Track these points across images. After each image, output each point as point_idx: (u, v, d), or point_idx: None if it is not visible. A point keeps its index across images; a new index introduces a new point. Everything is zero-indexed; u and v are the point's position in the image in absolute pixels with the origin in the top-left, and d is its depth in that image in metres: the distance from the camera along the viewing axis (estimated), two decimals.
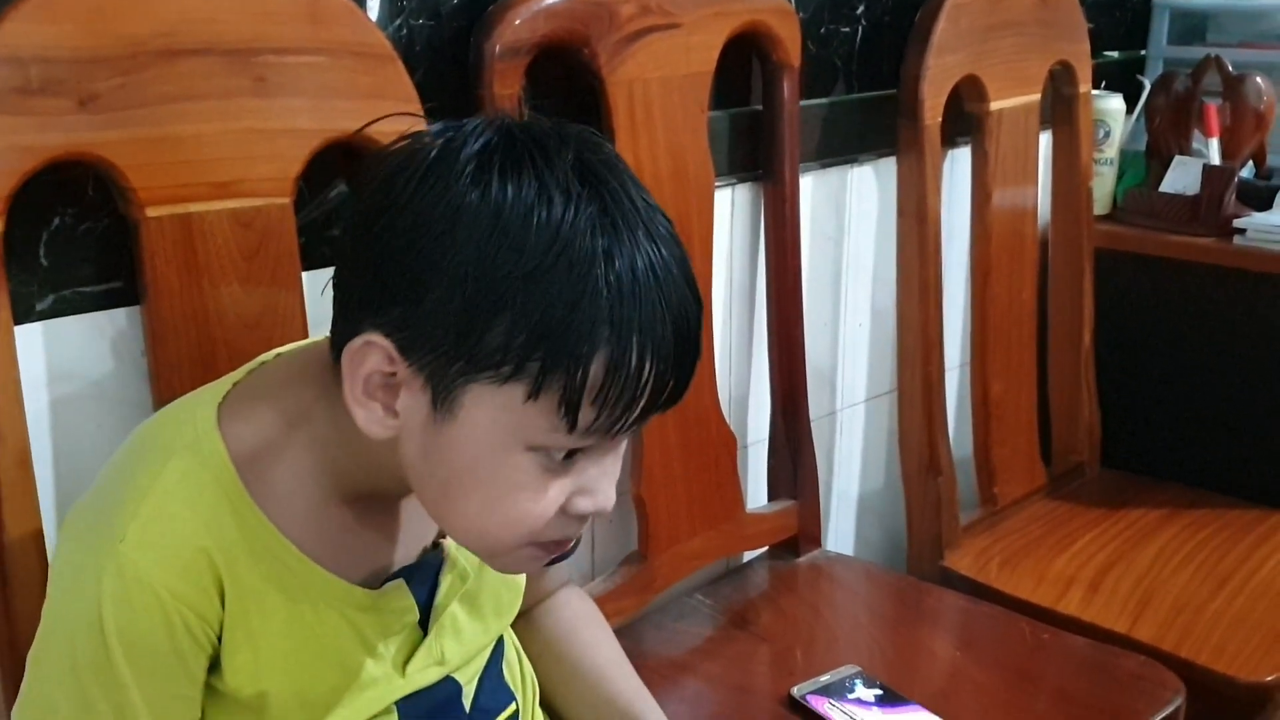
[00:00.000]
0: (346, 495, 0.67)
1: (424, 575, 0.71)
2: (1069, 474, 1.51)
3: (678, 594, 1.17)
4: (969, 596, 1.22)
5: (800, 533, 1.24)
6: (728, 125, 1.15)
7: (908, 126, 1.26)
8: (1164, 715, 1.03)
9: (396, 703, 0.70)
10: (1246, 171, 1.54)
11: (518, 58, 0.92)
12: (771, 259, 1.20)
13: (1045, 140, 1.47)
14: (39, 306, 0.78)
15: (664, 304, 0.58)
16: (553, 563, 0.67)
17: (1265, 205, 1.49)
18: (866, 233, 1.36)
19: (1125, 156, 1.60)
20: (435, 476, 0.62)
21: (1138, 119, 1.59)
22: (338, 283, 0.63)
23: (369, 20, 0.85)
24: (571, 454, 0.61)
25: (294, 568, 0.65)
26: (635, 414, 0.59)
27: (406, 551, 0.71)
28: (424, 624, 0.71)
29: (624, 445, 0.64)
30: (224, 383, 0.67)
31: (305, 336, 0.82)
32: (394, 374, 0.60)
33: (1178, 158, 1.54)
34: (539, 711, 0.81)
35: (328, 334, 0.65)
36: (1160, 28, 1.68)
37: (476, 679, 0.75)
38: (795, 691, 1.01)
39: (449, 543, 0.72)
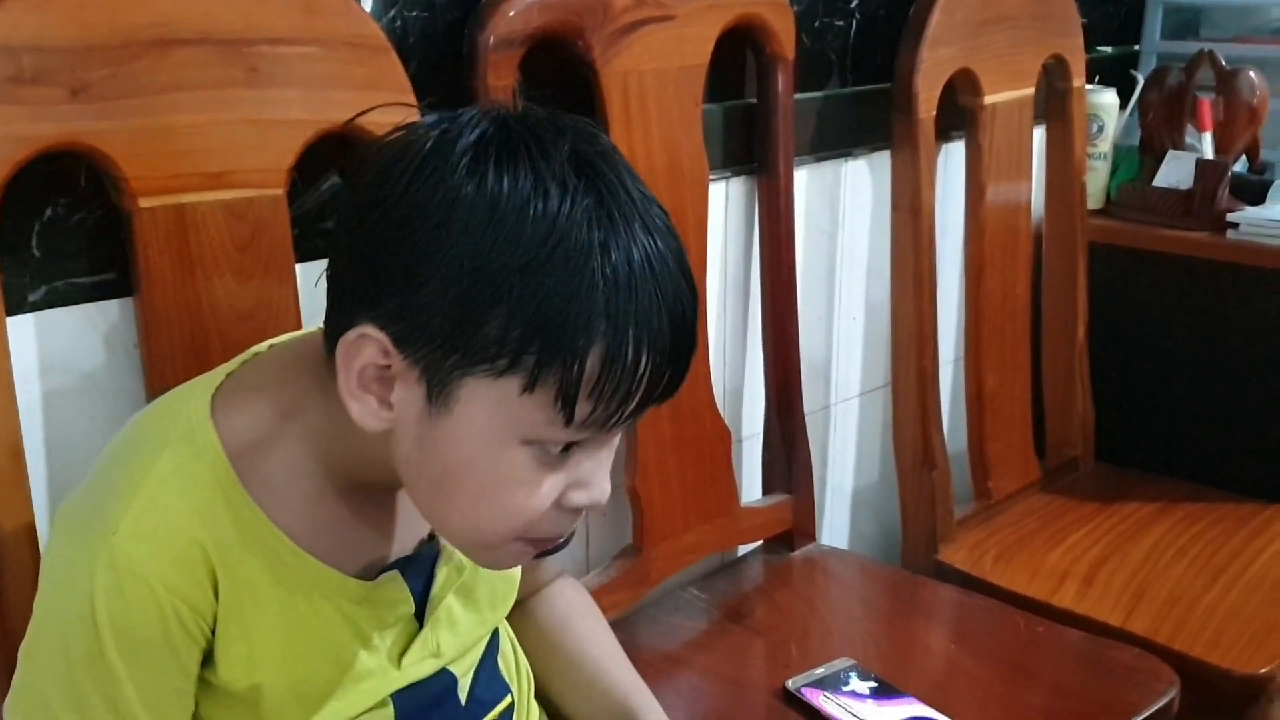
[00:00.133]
0: (341, 487, 0.66)
1: (420, 567, 0.70)
2: (1063, 468, 1.51)
3: (672, 587, 1.17)
4: (963, 590, 1.22)
5: (795, 526, 1.24)
6: (722, 118, 1.15)
7: (902, 120, 1.26)
8: (1158, 707, 1.03)
9: (392, 695, 0.70)
10: (1240, 166, 1.54)
11: (512, 49, 0.92)
12: (766, 253, 1.20)
13: (1039, 135, 1.47)
14: (31, 298, 0.78)
15: (660, 296, 0.58)
16: (548, 554, 0.67)
17: (1258, 199, 1.49)
18: (861, 227, 1.36)
19: (1119, 151, 1.60)
20: (429, 470, 0.62)
21: (1131, 113, 1.59)
22: (332, 274, 0.63)
23: (363, 11, 0.85)
24: (567, 447, 0.61)
25: (288, 560, 0.64)
26: (632, 407, 0.59)
27: (402, 543, 0.70)
28: (419, 616, 0.71)
29: (618, 438, 0.64)
30: (217, 374, 0.67)
31: (299, 328, 0.82)
32: (389, 367, 0.60)
33: (1171, 152, 1.54)
34: (534, 704, 0.81)
35: (321, 324, 0.65)
36: (1154, 22, 1.69)
37: (472, 671, 0.75)
38: (790, 684, 1.01)
39: None
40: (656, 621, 1.13)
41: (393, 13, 0.90)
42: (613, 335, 0.57)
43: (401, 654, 0.70)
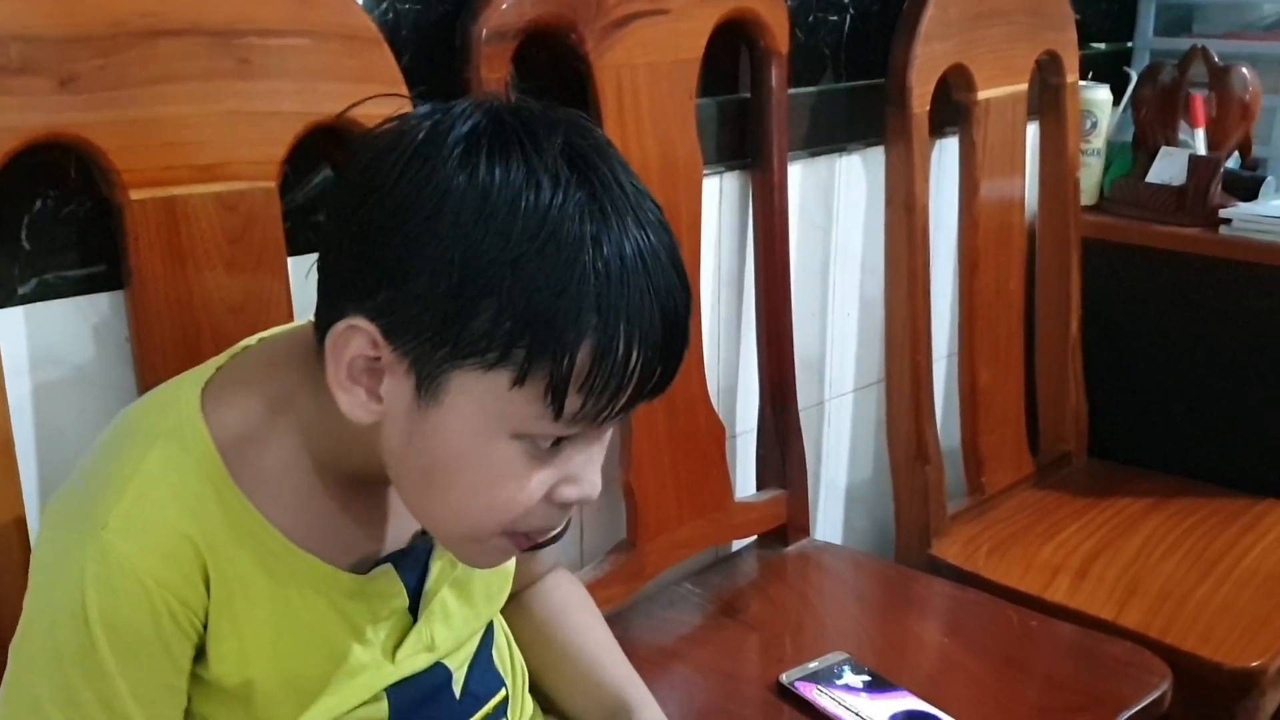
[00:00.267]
0: (333, 480, 0.66)
1: (414, 561, 0.70)
2: (1056, 463, 1.52)
3: (666, 582, 1.17)
4: (957, 584, 1.22)
5: (789, 522, 1.24)
6: (716, 113, 1.15)
7: (895, 115, 1.26)
8: (1150, 700, 1.03)
9: (386, 690, 0.70)
10: (1232, 162, 1.54)
11: (505, 42, 0.92)
12: (760, 248, 1.20)
13: (1032, 131, 1.47)
14: (21, 290, 0.77)
15: (652, 291, 0.58)
16: (543, 546, 0.66)
17: (1250, 195, 1.50)
18: (854, 222, 1.36)
19: (1112, 147, 1.60)
20: (417, 462, 0.61)
21: (1124, 110, 1.59)
22: (322, 265, 0.62)
23: (355, 3, 0.85)
24: (557, 442, 0.60)
25: (279, 554, 0.64)
26: (622, 402, 0.59)
27: (396, 537, 0.70)
28: (414, 610, 0.70)
29: (609, 433, 0.63)
30: (207, 367, 0.67)
31: (290, 322, 0.81)
32: (378, 359, 0.59)
33: (1164, 148, 1.55)
34: (528, 697, 0.81)
35: (312, 318, 0.64)
36: (1146, 19, 1.69)
37: (466, 665, 0.74)
38: (784, 678, 1.01)
39: None
40: (651, 616, 1.13)
41: (385, 5, 0.90)
42: (603, 330, 0.56)
43: (396, 648, 0.70)
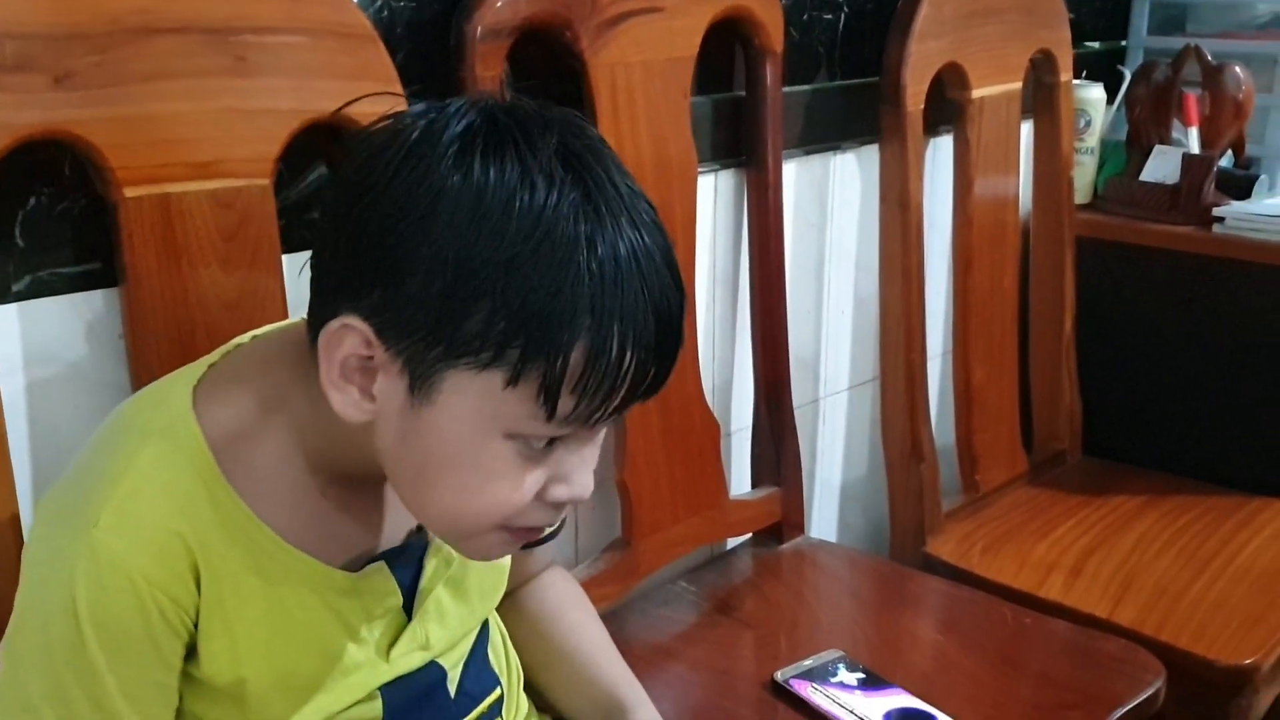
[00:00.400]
0: (326, 479, 0.66)
1: (408, 559, 0.70)
2: (1050, 461, 1.52)
3: (661, 580, 1.17)
4: (951, 582, 1.23)
5: (783, 519, 1.24)
6: (710, 111, 1.15)
7: (890, 114, 1.26)
8: (1144, 697, 1.03)
9: (380, 689, 0.70)
10: (1225, 160, 1.55)
11: (499, 40, 0.92)
12: (754, 246, 1.20)
13: (1026, 129, 1.48)
14: (15, 288, 0.77)
15: (646, 292, 0.58)
16: (538, 544, 0.66)
17: (1244, 194, 1.50)
18: (849, 220, 1.36)
19: (1106, 146, 1.61)
20: (411, 461, 0.61)
21: (1118, 108, 1.60)
22: (315, 264, 0.62)
23: (350, 0, 0.85)
24: (550, 442, 0.60)
25: (271, 552, 0.64)
26: (615, 403, 0.59)
27: (389, 535, 0.70)
28: (408, 608, 0.70)
29: (603, 433, 0.63)
30: (199, 365, 0.67)
31: (285, 319, 0.81)
32: (371, 358, 0.59)
33: (1158, 147, 1.55)
34: (523, 696, 0.81)
35: (305, 316, 0.64)
36: (1140, 18, 1.69)
37: (461, 664, 0.74)
38: (779, 676, 1.01)
39: None
40: (645, 614, 1.13)
41: (380, 2, 0.90)
42: (597, 331, 0.56)
43: (390, 646, 0.70)
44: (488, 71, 0.91)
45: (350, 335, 0.59)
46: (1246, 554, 1.29)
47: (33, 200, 0.77)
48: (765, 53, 1.14)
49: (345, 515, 0.68)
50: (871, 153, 1.31)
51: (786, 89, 1.19)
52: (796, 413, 1.25)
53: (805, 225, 1.31)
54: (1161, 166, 1.53)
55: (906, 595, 1.21)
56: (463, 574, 0.73)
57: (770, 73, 1.15)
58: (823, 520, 1.46)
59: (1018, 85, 1.40)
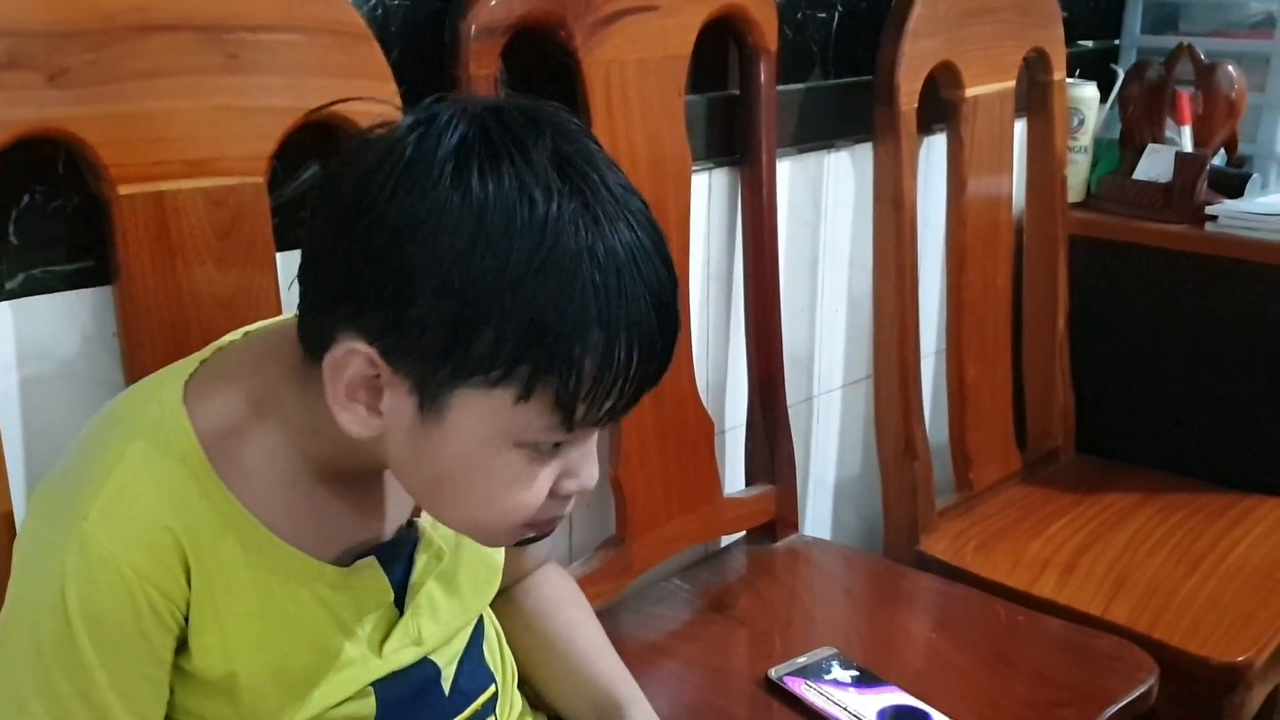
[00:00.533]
0: (317, 474, 0.66)
1: (399, 553, 0.70)
2: (1044, 459, 1.52)
3: (655, 578, 1.17)
4: (945, 579, 1.23)
5: (777, 517, 1.25)
6: (705, 109, 1.15)
7: (884, 112, 1.26)
8: (1137, 695, 1.04)
9: (374, 686, 0.70)
10: (1218, 159, 1.55)
11: (494, 38, 0.92)
12: (748, 244, 1.20)
13: (1020, 128, 1.48)
14: (9, 285, 0.77)
15: (646, 292, 0.58)
16: (531, 541, 0.67)
17: (1237, 192, 1.51)
18: (843, 218, 1.36)
19: (1099, 144, 1.61)
20: (425, 474, 0.62)
21: (1111, 107, 1.60)
22: (309, 278, 0.62)
23: None
24: (557, 442, 0.61)
25: (262, 546, 0.64)
26: (625, 401, 0.60)
27: (380, 530, 0.70)
28: (400, 603, 0.70)
29: None
30: (190, 362, 0.67)
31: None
32: (377, 376, 0.60)
33: (1151, 145, 1.55)
34: (517, 694, 0.81)
35: (295, 314, 0.64)
36: (1134, 17, 1.70)
37: (456, 661, 0.74)
38: (772, 673, 1.01)
39: (423, 521, 0.72)
40: (640, 612, 1.13)
41: (374, 1, 0.90)
42: (606, 341, 0.57)
43: (383, 641, 0.70)
44: (482, 70, 0.91)
45: (355, 359, 0.59)
46: (1239, 552, 1.29)
47: (27, 198, 0.77)
48: (759, 51, 1.14)
49: (336, 511, 0.68)
50: (865, 151, 1.32)
51: (781, 87, 1.19)
52: (790, 411, 1.25)
53: (799, 224, 1.31)
54: (1154, 165, 1.53)
55: (900, 593, 1.21)
56: (454, 569, 0.73)
57: (764, 71, 1.15)
58: (817, 518, 1.47)
59: (1011, 84, 1.40)
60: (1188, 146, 1.51)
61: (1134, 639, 1.11)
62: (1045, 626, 1.13)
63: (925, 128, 1.33)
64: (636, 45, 1.02)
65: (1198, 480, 1.45)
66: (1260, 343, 1.44)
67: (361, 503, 0.69)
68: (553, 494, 0.63)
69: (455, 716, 0.74)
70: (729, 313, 1.25)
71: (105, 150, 0.74)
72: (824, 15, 1.27)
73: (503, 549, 0.77)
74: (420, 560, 0.71)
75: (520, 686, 0.82)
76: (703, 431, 1.16)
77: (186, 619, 0.63)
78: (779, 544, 1.25)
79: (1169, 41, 1.59)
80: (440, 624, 0.72)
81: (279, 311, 0.83)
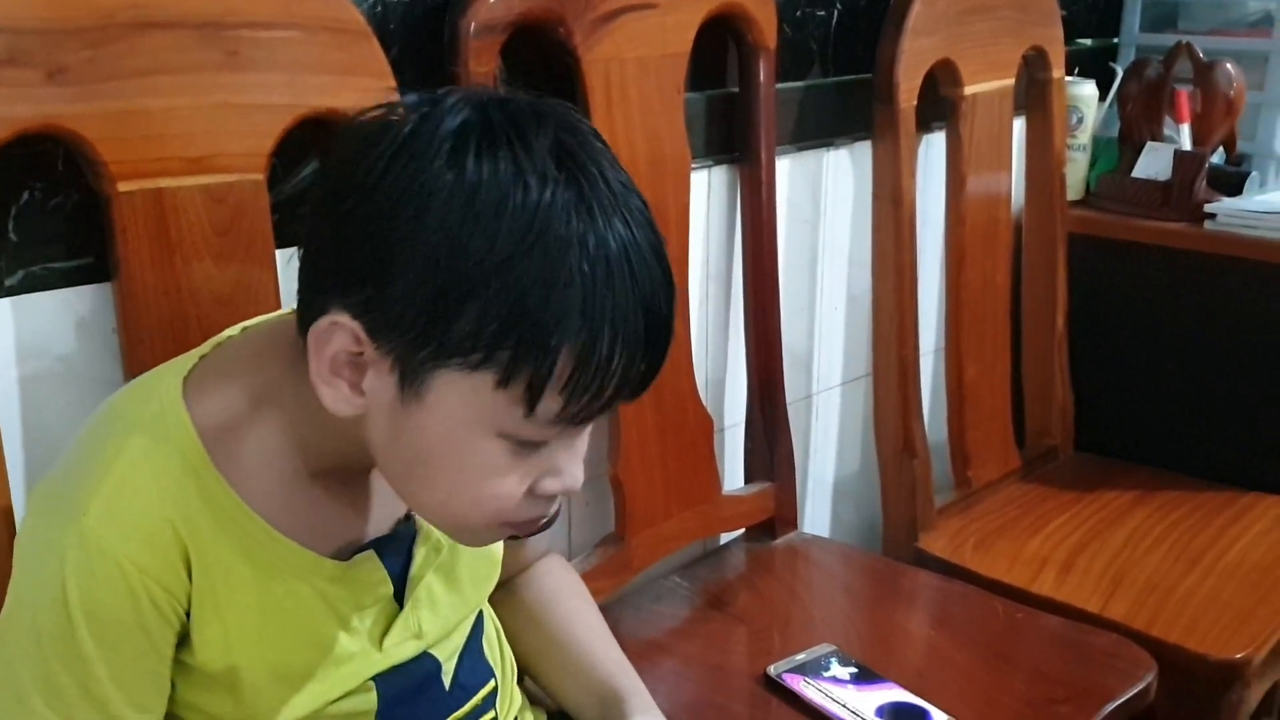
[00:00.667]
0: (315, 469, 0.66)
1: (397, 547, 0.70)
2: (1042, 457, 1.52)
3: (655, 575, 1.17)
4: (943, 577, 1.23)
5: (776, 515, 1.25)
6: (704, 107, 1.15)
7: (883, 110, 1.26)
8: (1136, 692, 1.04)
9: (375, 680, 0.70)
10: (1217, 157, 1.55)
11: (493, 36, 0.92)
12: (748, 242, 1.20)
13: (1019, 126, 1.48)
14: (8, 282, 0.77)
15: (636, 291, 0.57)
16: (531, 534, 0.67)
17: (1235, 190, 1.51)
18: (842, 216, 1.36)
19: (1098, 142, 1.61)
20: (402, 456, 0.62)
21: (1110, 105, 1.60)
22: (304, 257, 0.62)
23: None
24: (542, 441, 0.61)
25: (261, 540, 0.64)
26: (603, 402, 0.59)
27: (378, 524, 0.70)
28: (399, 597, 0.70)
29: (590, 426, 0.63)
30: (189, 357, 0.67)
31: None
32: (360, 353, 0.59)
33: (1149, 144, 1.55)
34: (517, 689, 0.81)
35: (294, 308, 0.64)
36: (1132, 15, 1.70)
37: (456, 656, 0.74)
38: (771, 670, 1.01)
39: None
40: (639, 609, 1.13)
41: None
42: (587, 334, 0.56)
43: (383, 635, 0.70)
44: (481, 67, 0.91)
45: (339, 332, 0.59)
46: (1237, 549, 1.29)
47: (26, 195, 0.77)
48: (759, 49, 1.14)
49: (334, 504, 0.68)
50: (864, 149, 1.32)
51: (780, 85, 1.19)
52: (790, 408, 1.25)
53: (798, 221, 1.32)
54: (1153, 163, 1.53)
55: (899, 590, 1.21)
56: (453, 562, 0.73)
57: (763, 69, 1.15)
58: (816, 516, 1.47)
59: (1010, 82, 1.41)
60: (1186, 145, 1.51)
61: (1132, 636, 1.11)
62: (1044, 624, 1.13)
63: (924, 125, 1.33)
64: (636, 43, 1.02)
65: (1196, 478, 1.45)
66: (1259, 340, 1.45)
67: (356, 498, 0.69)
68: (533, 493, 0.62)
69: (455, 711, 0.74)
70: (728, 310, 1.25)
71: (104, 147, 0.74)
72: (823, 13, 1.27)
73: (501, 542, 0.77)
74: (419, 553, 0.71)
75: (520, 681, 0.82)
76: (702, 429, 1.16)
77: (188, 613, 0.63)
78: (778, 541, 1.25)
79: (1168, 40, 1.59)
80: (440, 617, 0.72)
81: (278, 307, 0.83)
